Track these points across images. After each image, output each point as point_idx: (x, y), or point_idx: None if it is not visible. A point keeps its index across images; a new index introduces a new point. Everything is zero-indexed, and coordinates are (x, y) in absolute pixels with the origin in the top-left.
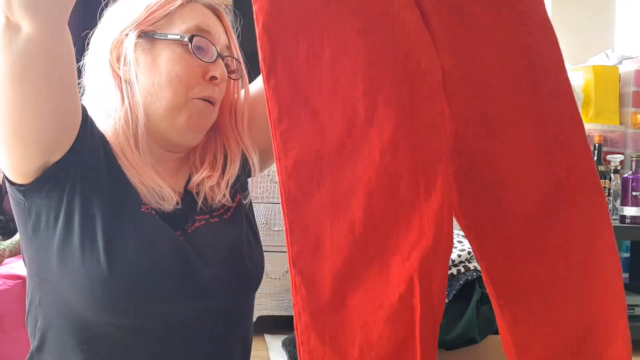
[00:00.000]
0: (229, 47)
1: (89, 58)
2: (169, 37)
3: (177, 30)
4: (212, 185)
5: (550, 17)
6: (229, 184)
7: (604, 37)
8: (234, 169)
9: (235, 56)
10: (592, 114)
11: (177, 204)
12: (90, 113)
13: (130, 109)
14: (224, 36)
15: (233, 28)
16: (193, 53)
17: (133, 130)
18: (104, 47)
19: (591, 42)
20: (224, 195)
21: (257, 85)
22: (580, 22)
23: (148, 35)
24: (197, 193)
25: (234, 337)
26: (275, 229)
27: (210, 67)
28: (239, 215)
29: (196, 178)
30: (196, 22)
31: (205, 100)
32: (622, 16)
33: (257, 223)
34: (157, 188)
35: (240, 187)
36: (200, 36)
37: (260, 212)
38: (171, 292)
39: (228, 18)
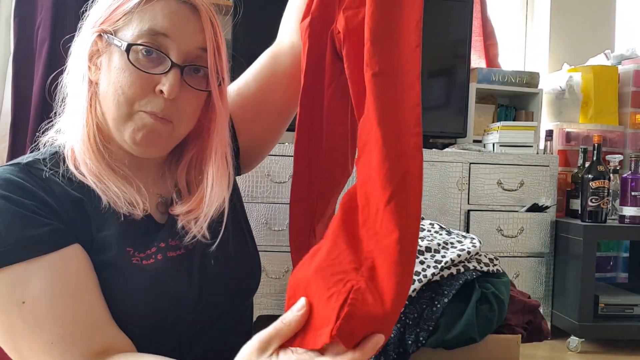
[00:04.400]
0: (205, 50)
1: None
2: (115, 42)
3: (131, 33)
4: (190, 219)
5: (549, 17)
6: (212, 216)
7: (603, 37)
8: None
9: (213, 61)
10: (591, 114)
11: (145, 211)
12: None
13: (90, 114)
14: (197, 37)
15: (223, 27)
16: (131, 64)
17: (93, 137)
18: (76, 45)
19: (591, 42)
20: (200, 231)
21: (246, 75)
22: (580, 22)
23: (106, 35)
24: (178, 220)
25: (236, 335)
26: (275, 228)
27: (160, 79)
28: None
29: (177, 209)
30: (151, 25)
31: (153, 114)
32: (622, 16)
33: (257, 223)
34: (122, 195)
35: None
36: (144, 45)
37: (260, 212)
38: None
39: (209, 14)
